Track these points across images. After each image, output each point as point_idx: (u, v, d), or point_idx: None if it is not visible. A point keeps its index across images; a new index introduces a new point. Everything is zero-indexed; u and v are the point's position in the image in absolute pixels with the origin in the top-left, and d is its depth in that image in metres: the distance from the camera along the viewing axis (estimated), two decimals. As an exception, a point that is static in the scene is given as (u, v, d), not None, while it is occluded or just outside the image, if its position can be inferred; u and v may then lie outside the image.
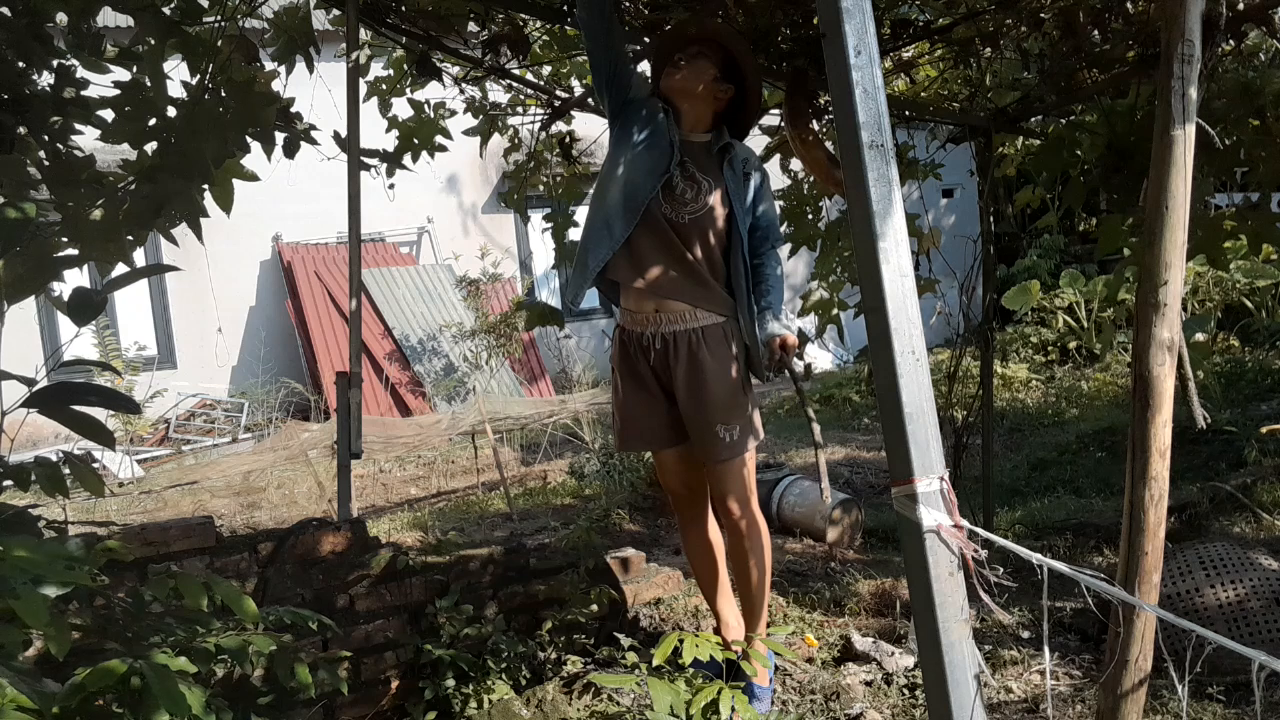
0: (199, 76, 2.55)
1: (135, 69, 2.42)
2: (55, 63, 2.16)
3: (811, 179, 3.99)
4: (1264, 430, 4.69)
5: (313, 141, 2.86)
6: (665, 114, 2.59)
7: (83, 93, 2.23)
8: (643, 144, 2.57)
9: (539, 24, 3.51)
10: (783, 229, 3.75)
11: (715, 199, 2.57)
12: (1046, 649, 1.57)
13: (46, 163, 2.18)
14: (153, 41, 2.39)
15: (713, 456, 2.59)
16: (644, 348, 2.60)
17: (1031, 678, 2.83)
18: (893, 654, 2.88)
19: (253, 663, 1.63)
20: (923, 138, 4.41)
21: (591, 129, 3.21)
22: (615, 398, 2.72)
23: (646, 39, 3.13)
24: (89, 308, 1.50)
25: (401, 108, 3.73)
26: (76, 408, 1.46)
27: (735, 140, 2.66)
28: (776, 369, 2.61)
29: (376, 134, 3.49)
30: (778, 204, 3.49)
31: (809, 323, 5.03)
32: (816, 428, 2.55)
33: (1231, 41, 2.85)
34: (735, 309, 2.60)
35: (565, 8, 3.07)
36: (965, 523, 1.42)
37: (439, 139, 3.68)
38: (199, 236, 2.47)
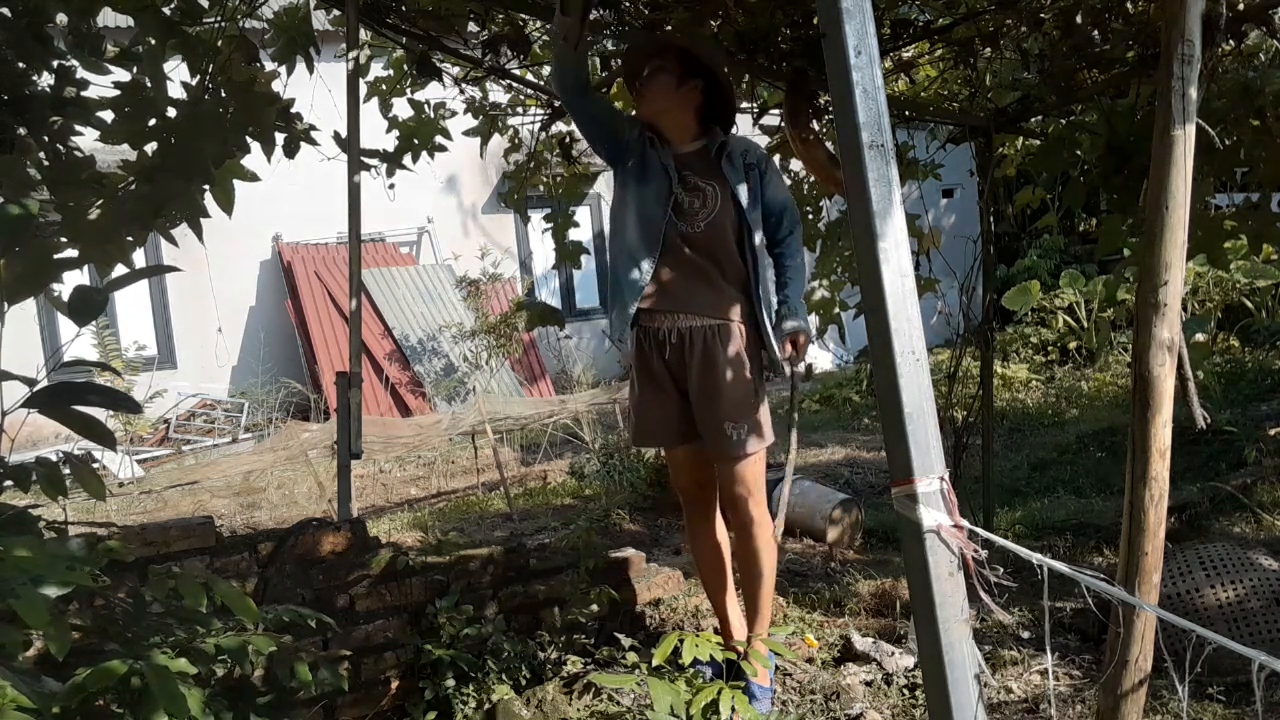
0: (199, 77, 2.54)
1: (135, 69, 2.42)
2: (55, 63, 2.15)
3: (811, 179, 3.99)
4: (1272, 432, 4.68)
5: (313, 142, 2.86)
6: (650, 142, 2.66)
7: (83, 93, 2.23)
8: (642, 177, 2.65)
9: (539, 24, 3.51)
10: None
11: (722, 200, 2.62)
12: (1048, 649, 1.58)
13: (46, 163, 2.18)
14: (153, 41, 2.39)
15: (722, 454, 2.63)
16: (659, 343, 2.65)
17: (1031, 678, 2.83)
18: (893, 654, 2.88)
19: (253, 663, 1.63)
20: (923, 138, 4.41)
21: (591, 129, 3.24)
22: (631, 393, 2.80)
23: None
24: (90, 307, 1.49)
25: (402, 108, 3.73)
26: (77, 408, 1.45)
27: (728, 136, 2.70)
28: (790, 365, 2.66)
29: (376, 134, 3.49)
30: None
31: (809, 323, 5.03)
32: (790, 468, 2.45)
33: (1231, 41, 2.85)
34: (751, 312, 2.64)
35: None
36: (965, 523, 1.42)
37: (439, 139, 3.67)
38: (199, 237, 2.46)
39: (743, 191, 2.62)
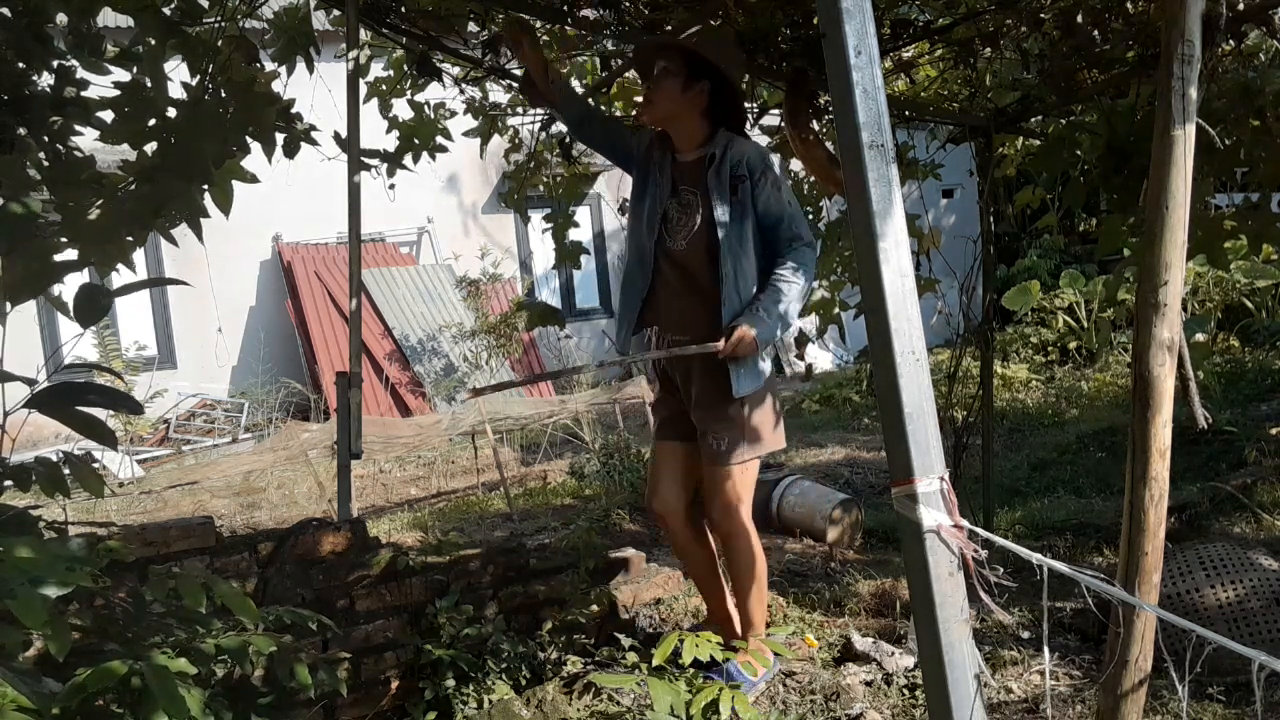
0: (199, 77, 2.54)
1: (135, 69, 2.42)
2: (55, 63, 2.15)
3: (811, 179, 4.00)
4: (1274, 432, 4.68)
5: (313, 142, 2.85)
6: (652, 160, 2.70)
7: (83, 93, 2.23)
8: (640, 196, 2.72)
9: (539, 24, 3.51)
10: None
11: (703, 214, 2.60)
12: (1046, 649, 1.58)
13: (46, 163, 2.18)
14: (153, 41, 2.39)
15: (705, 458, 2.68)
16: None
17: (1031, 678, 2.83)
18: (893, 654, 2.88)
19: (253, 663, 1.63)
20: (923, 138, 4.42)
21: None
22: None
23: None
24: (94, 308, 1.49)
25: (402, 108, 3.73)
26: (78, 408, 1.45)
27: (731, 141, 2.61)
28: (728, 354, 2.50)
29: (377, 134, 3.49)
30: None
31: (809, 323, 5.03)
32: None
33: (1231, 41, 2.85)
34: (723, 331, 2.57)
35: (565, 7, 3.08)
36: (965, 523, 1.42)
37: (439, 140, 3.68)
38: (199, 237, 2.46)
39: (721, 205, 2.55)
